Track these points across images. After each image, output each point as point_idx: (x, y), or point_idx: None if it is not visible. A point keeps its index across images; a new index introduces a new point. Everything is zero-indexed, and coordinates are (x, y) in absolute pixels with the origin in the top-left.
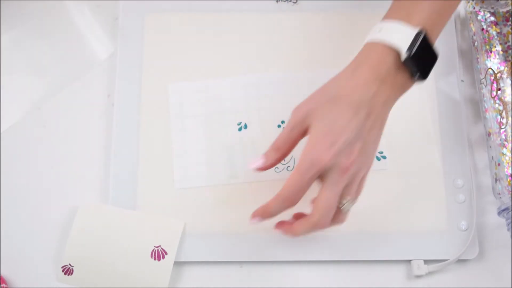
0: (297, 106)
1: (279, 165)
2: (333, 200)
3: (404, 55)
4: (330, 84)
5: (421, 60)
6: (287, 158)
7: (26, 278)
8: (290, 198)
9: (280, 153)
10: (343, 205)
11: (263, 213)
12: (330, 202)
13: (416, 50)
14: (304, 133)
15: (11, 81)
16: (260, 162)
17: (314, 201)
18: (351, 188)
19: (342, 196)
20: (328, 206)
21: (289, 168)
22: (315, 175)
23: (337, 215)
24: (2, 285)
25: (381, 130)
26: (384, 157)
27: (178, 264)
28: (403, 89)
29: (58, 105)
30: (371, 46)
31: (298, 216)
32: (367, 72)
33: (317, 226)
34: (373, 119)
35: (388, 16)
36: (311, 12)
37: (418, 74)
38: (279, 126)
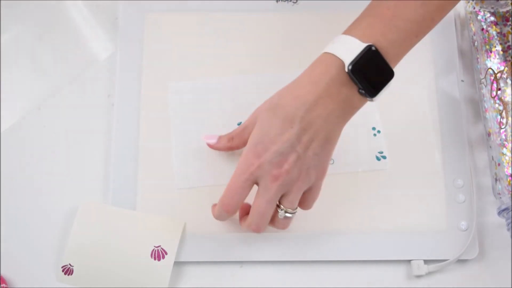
0: (257, 107)
1: None
2: (264, 206)
3: (347, 67)
4: (279, 91)
5: (368, 75)
6: None
7: (26, 278)
8: (227, 202)
9: (230, 144)
10: (279, 213)
11: (214, 216)
12: (260, 208)
13: (363, 64)
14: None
15: (11, 81)
16: (212, 141)
17: (250, 207)
18: (287, 197)
19: (279, 204)
20: (259, 211)
21: None
22: (247, 180)
23: (275, 221)
24: (2, 285)
25: (328, 145)
26: (384, 157)
27: (178, 264)
28: (350, 104)
29: (58, 105)
30: (320, 57)
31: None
32: (307, 83)
33: (250, 228)
34: (311, 133)
35: (346, 30)
36: (311, 12)
37: (363, 89)
38: None
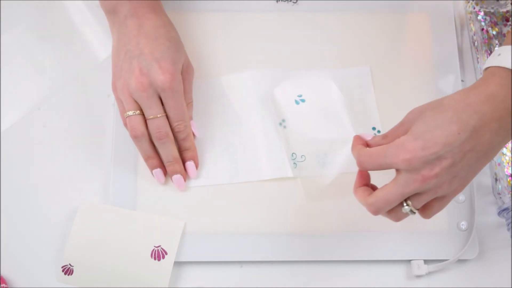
0: (415, 107)
1: (291, 163)
2: (395, 197)
3: None
4: (449, 96)
5: None
6: (298, 157)
7: (26, 278)
8: (366, 170)
9: (384, 142)
10: (403, 207)
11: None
12: (389, 198)
13: None
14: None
15: (11, 81)
16: (369, 136)
17: (380, 188)
18: (419, 197)
19: (407, 199)
20: (387, 199)
21: (298, 163)
22: (388, 164)
23: (395, 212)
24: (2, 285)
25: (484, 159)
26: None
27: (178, 264)
28: None
29: (58, 105)
30: (490, 71)
31: (365, 179)
32: (482, 93)
33: (369, 208)
34: (474, 144)
35: (507, 42)
36: (311, 12)
37: None
38: (280, 124)
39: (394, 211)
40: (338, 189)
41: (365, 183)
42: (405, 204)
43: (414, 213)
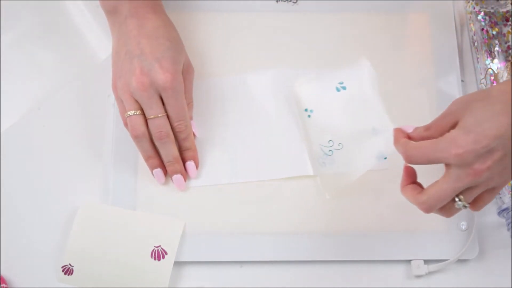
0: (459, 97)
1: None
2: (448, 193)
3: None
4: (494, 87)
5: None
6: (335, 144)
7: (26, 278)
8: (414, 164)
9: (427, 134)
10: (456, 203)
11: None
12: (441, 194)
13: None
14: (454, 125)
15: (11, 81)
16: (410, 129)
17: (431, 185)
18: (471, 191)
19: (459, 194)
20: (439, 195)
21: (332, 150)
22: (439, 159)
23: (447, 208)
24: (2, 285)
25: None
26: (384, 157)
27: (178, 264)
28: None
29: (58, 105)
30: None
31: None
32: None
33: (421, 206)
34: None
35: None
36: (311, 12)
37: None
38: (308, 115)
39: (447, 207)
40: (338, 190)
41: (412, 180)
42: (457, 200)
43: (466, 207)
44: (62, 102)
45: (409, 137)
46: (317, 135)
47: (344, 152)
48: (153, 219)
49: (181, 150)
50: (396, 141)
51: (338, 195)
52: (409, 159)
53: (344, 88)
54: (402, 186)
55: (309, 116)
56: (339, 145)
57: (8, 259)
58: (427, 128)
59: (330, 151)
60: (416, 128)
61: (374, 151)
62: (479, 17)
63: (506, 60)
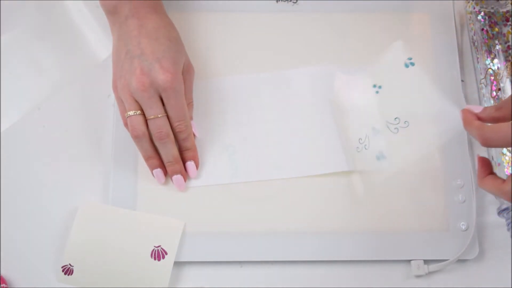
0: None
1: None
2: None
3: None
4: None
5: None
6: (401, 122)
7: (26, 278)
8: (491, 147)
9: (498, 114)
10: None
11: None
12: None
13: None
14: None
15: (11, 81)
16: (478, 109)
17: None
18: None
19: None
20: None
21: (366, 147)
22: None
23: None
24: (2, 285)
25: None
26: (384, 157)
27: (178, 264)
28: None
29: (58, 105)
30: None
31: (489, 167)
32: None
33: (504, 197)
34: None
35: None
36: (311, 12)
37: None
38: (376, 91)
39: None
40: (338, 189)
41: (489, 171)
42: None
43: None
44: (62, 102)
45: (479, 117)
46: (384, 111)
47: (409, 131)
48: (153, 219)
49: (181, 150)
50: (468, 123)
51: (337, 195)
52: (486, 142)
53: (412, 64)
54: (480, 178)
55: (377, 92)
56: (405, 123)
57: (8, 259)
58: (498, 107)
59: (396, 129)
60: (485, 108)
61: (373, 152)
62: (479, 17)
63: (506, 60)
